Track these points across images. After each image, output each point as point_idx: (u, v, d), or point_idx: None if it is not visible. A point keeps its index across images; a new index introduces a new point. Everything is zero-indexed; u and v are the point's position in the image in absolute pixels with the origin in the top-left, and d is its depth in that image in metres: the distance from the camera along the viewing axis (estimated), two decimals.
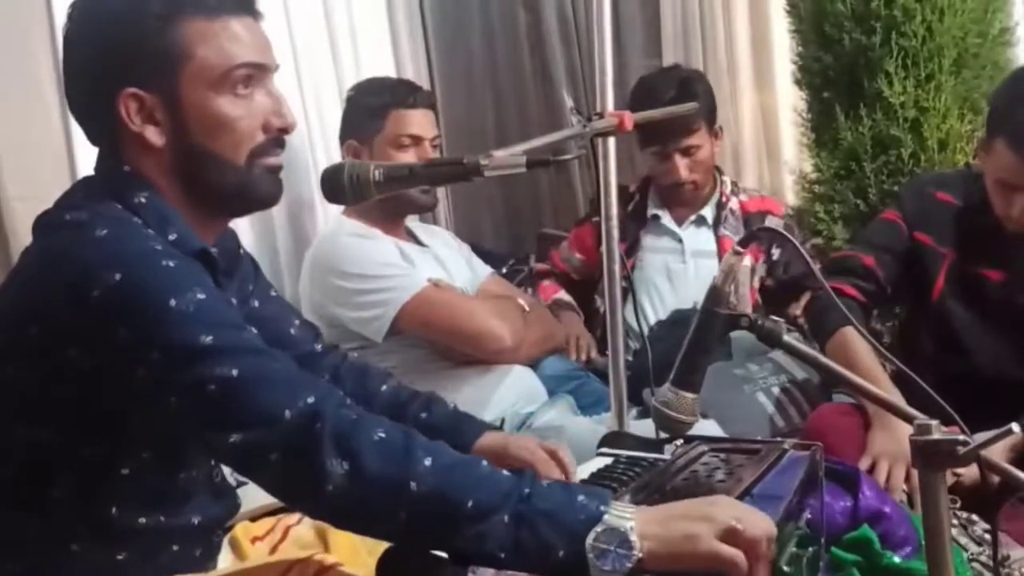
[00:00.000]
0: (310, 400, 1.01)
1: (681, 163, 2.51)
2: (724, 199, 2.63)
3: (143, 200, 1.15)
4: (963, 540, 1.60)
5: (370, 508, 0.97)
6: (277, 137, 1.22)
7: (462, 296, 2.19)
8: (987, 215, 1.94)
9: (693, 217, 2.62)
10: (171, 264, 1.08)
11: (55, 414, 1.09)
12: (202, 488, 1.24)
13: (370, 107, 2.24)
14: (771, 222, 2.63)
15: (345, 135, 2.29)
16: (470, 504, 0.95)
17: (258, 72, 1.19)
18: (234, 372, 1.01)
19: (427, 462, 0.98)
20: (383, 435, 1.00)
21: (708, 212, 2.63)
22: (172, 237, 1.13)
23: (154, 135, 1.16)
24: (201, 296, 1.06)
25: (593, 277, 2.58)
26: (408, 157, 2.19)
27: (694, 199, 2.63)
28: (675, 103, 2.35)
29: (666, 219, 2.61)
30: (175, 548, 1.19)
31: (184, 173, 1.18)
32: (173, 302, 1.03)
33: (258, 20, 1.22)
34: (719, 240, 2.58)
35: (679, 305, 2.51)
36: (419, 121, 2.24)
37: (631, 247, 2.56)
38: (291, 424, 0.99)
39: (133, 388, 1.04)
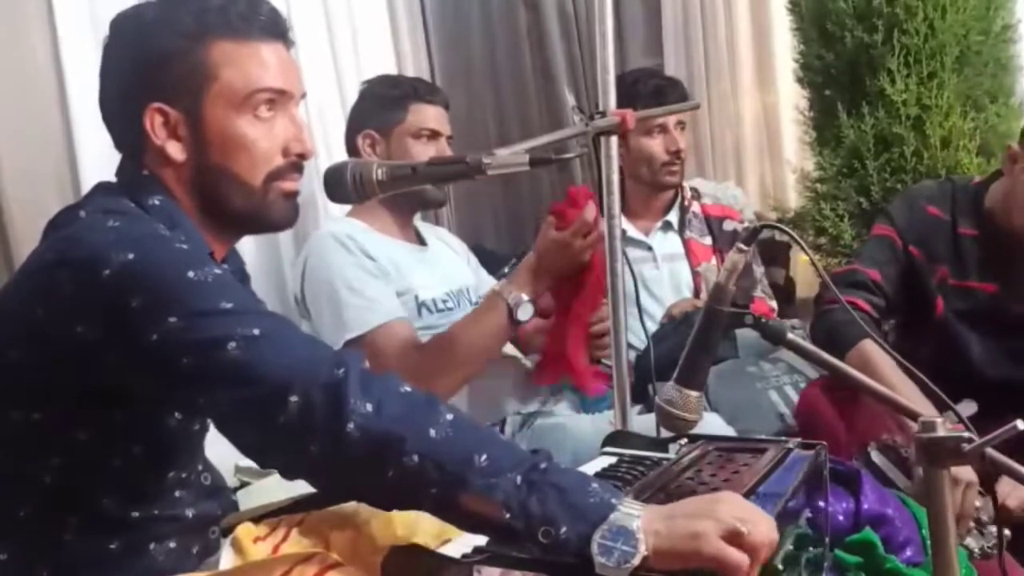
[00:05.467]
0: (334, 356, 1.02)
1: (678, 135, 2.59)
2: (687, 203, 2.70)
3: (156, 202, 1.19)
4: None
5: (384, 450, 0.96)
6: (295, 162, 1.24)
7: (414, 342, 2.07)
8: (977, 228, 2.01)
9: (659, 224, 2.68)
10: (185, 247, 1.11)
11: (52, 397, 1.10)
12: (193, 487, 1.25)
13: (391, 98, 2.25)
14: (728, 226, 2.69)
15: (360, 125, 2.27)
16: (484, 458, 0.95)
17: (281, 98, 1.22)
18: (256, 331, 1.01)
19: (448, 416, 0.98)
20: (408, 389, 1.01)
21: (673, 217, 2.69)
22: (182, 238, 1.15)
23: (176, 150, 1.19)
24: (218, 271, 1.08)
25: None
26: (428, 149, 2.20)
27: (664, 201, 2.68)
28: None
29: (632, 231, 2.64)
30: (172, 545, 1.19)
31: (201, 189, 1.21)
32: (191, 274, 1.04)
33: (289, 47, 1.25)
34: (686, 243, 2.65)
35: (658, 310, 2.54)
36: (438, 117, 2.26)
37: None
38: (316, 369, 0.99)
39: (140, 357, 1.03)
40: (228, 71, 1.18)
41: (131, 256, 1.04)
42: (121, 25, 1.22)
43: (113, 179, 1.25)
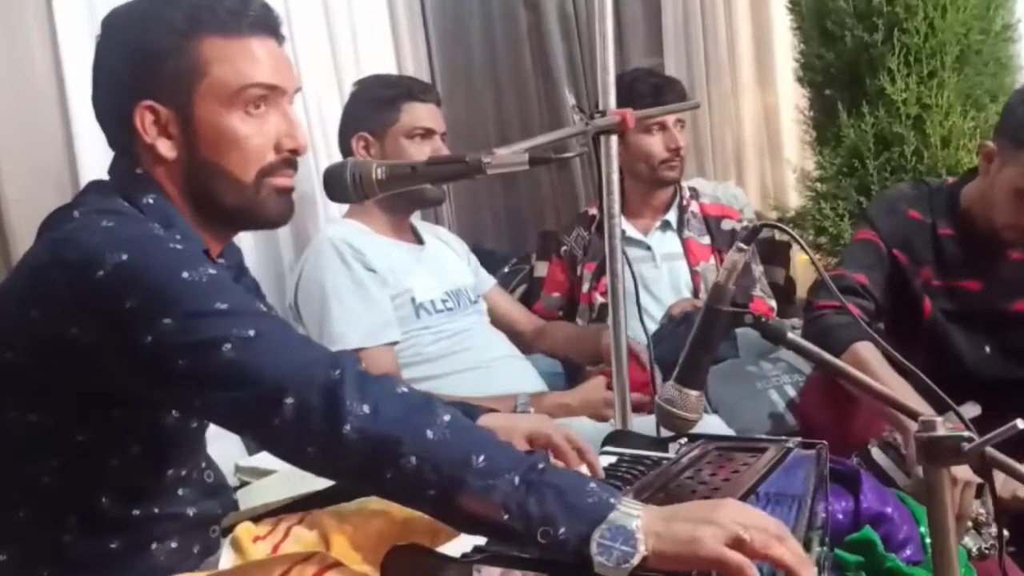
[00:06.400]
0: (330, 357, 1.01)
1: (678, 132, 2.60)
2: (685, 203, 2.71)
3: (151, 201, 1.18)
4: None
5: (381, 452, 0.95)
6: (288, 158, 1.23)
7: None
8: (954, 228, 2.02)
9: (658, 223, 2.69)
10: (179, 247, 1.10)
11: (49, 399, 1.09)
12: (193, 485, 1.25)
13: (383, 99, 2.25)
14: (726, 225, 2.70)
15: (354, 128, 2.28)
16: (481, 459, 0.95)
17: (272, 93, 1.21)
18: (251, 332, 1.01)
19: (446, 417, 0.98)
20: (405, 390, 1.01)
21: (672, 216, 2.70)
22: (177, 238, 1.14)
23: (167, 148, 1.19)
24: (213, 271, 1.07)
25: (573, 305, 2.70)
26: (423, 148, 2.21)
27: (662, 200, 2.68)
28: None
29: (631, 231, 2.64)
30: (173, 544, 1.19)
31: (193, 187, 1.20)
32: (185, 274, 1.04)
33: (280, 43, 1.24)
34: (684, 242, 2.66)
35: (658, 309, 2.55)
36: (432, 115, 2.27)
37: (601, 264, 2.53)
38: (312, 371, 0.98)
39: (135, 359, 1.02)
40: (218, 67, 1.17)
41: (125, 257, 1.03)
42: (112, 23, 1.21)
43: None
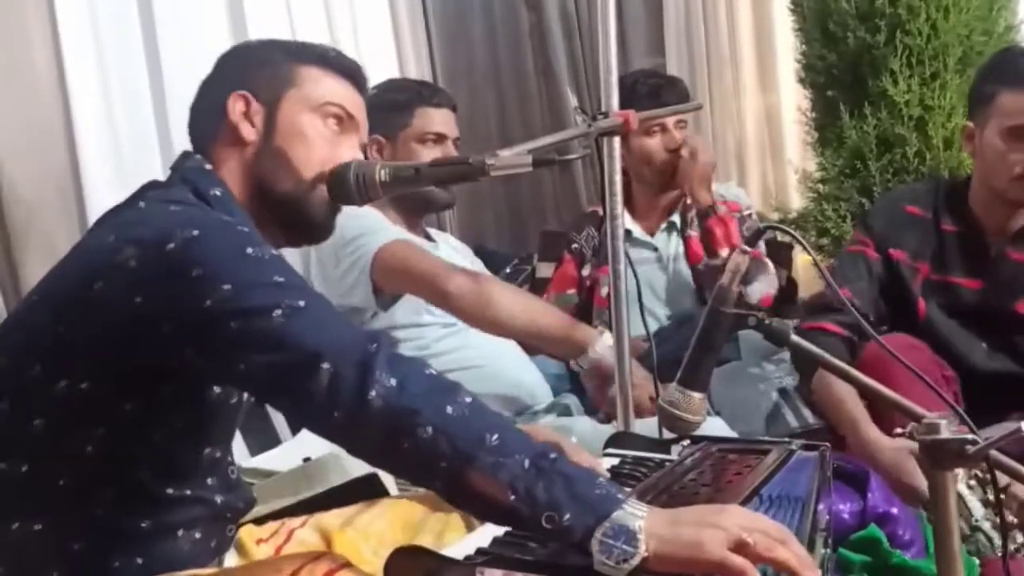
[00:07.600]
0: (368, 334, 1.06)
1: (678, 133, 2.58)
2: (690, 204, 2.67)
3: (218, 193, 1.26)
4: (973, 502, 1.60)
5: (401, 421, 0.99)
6: None
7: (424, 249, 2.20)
8: (959, 225, 2.02)
9: (664, 224, 2.67)
10: (247, 229, 1.17)
11: (101, 369, 1.12)
12: (221, 475, 1.27)
13: (396, 103, 2.26)
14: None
15: (368, 131, 2.28)
16: (495, 437, 0.97)
17: (349, 122, 1.34)
18: (301, 303, 1.06)
19: (467, 399, 1.02)
20: (433, 372, 1.05)
21: (676, 217, 2.68)
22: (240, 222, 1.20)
23: (248, 131, 1.30)
24: (275, 251, 1.15)
25: (585, 305, 2.66)
26: (434, 153, 2.21)
27: (668, 202, 2.67)
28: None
29: (638, 232, 2.64)
30: (197, 535, 1.20)
31: (256, 173, 1.29)
32: (250, 250, 1.10)
33: (363, 95, 1.38)
34: (686, 241, 2.64)
35: (664, 311, 2.55)
36: (444, 120, 2.27)
37: None
38: (351, 343, 1.03)
39: (192, 321, 1.07)
40: (308, 85, 1.32)
41: (196, 233, 1.09)
42: (228, 51, 1.40)
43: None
